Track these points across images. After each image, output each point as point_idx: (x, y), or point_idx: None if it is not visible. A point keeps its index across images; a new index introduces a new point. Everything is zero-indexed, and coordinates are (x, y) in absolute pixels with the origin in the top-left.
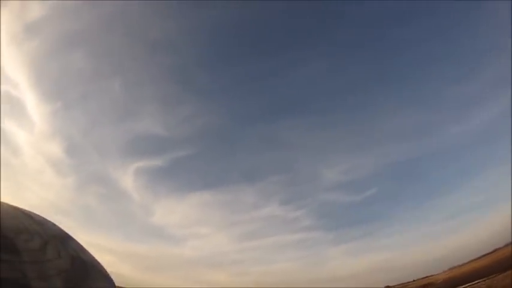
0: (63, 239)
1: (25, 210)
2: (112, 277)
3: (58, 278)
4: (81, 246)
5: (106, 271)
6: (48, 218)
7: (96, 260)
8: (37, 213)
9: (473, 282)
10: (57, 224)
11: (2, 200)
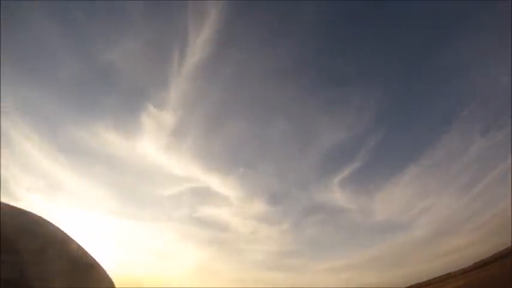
0: (64, 241)
1: (27, 212)
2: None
3: (58, 279)
4: (82, 247)
5: (106, 272)
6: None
7: (96, 262)
8: (45, 218)
9: None
10: (58, 227)
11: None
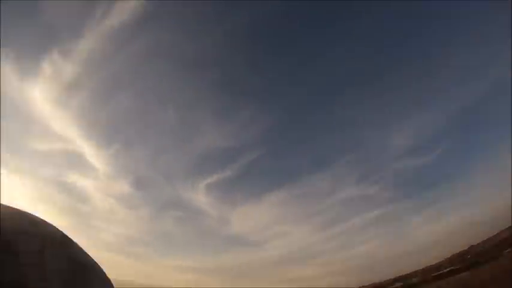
0: (63, 242)
1: (26, 213)
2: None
3: (57, 279)
4: (81, 249)
5: (105, 274)
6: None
7: (95, 263)
8: (41, 217)
9: None
10: (56, 227)
11: (3, 203)
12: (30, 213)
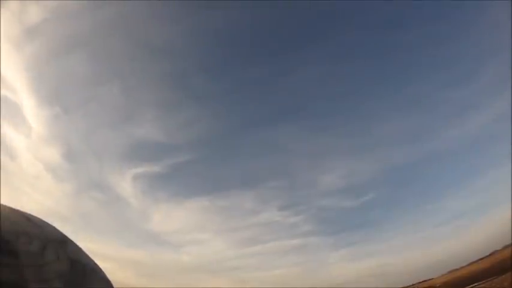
0: (63, 242)
1: (25, 213)
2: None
3: (57, 280)
4: (80, 249)
5: (105, 274)
6: (48, 222)
7: (95, 263)
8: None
9: (473, 285)
10: (56, 228)
11: (1, 203)
12: (29, 214)
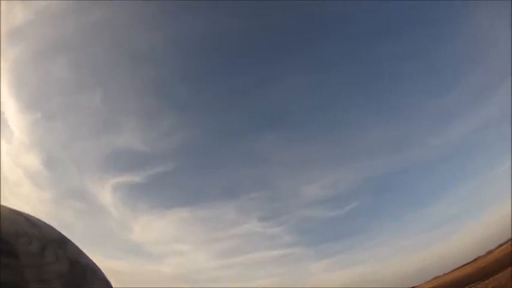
0: (62, 243)
1: (24, 213)
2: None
3: (57, 281)
4: (80, 249)
5: (104, 274)
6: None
7: (94, 264)
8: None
9: None
10: (54, 228)
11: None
12: (29, 214)
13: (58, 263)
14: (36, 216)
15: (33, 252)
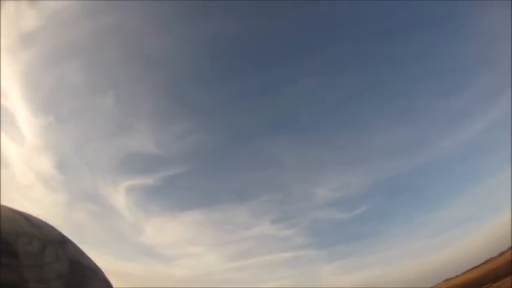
0: (62, 243)
1: (24, 213)
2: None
3: (57, 281)
4: (80, 249)
5: (104, 274)
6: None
7: (94, 264)
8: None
9: None
10: (55, 228)
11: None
12: (29, 214)
13: (58, 262)
14: (41, 218)
15: (33, 252)
